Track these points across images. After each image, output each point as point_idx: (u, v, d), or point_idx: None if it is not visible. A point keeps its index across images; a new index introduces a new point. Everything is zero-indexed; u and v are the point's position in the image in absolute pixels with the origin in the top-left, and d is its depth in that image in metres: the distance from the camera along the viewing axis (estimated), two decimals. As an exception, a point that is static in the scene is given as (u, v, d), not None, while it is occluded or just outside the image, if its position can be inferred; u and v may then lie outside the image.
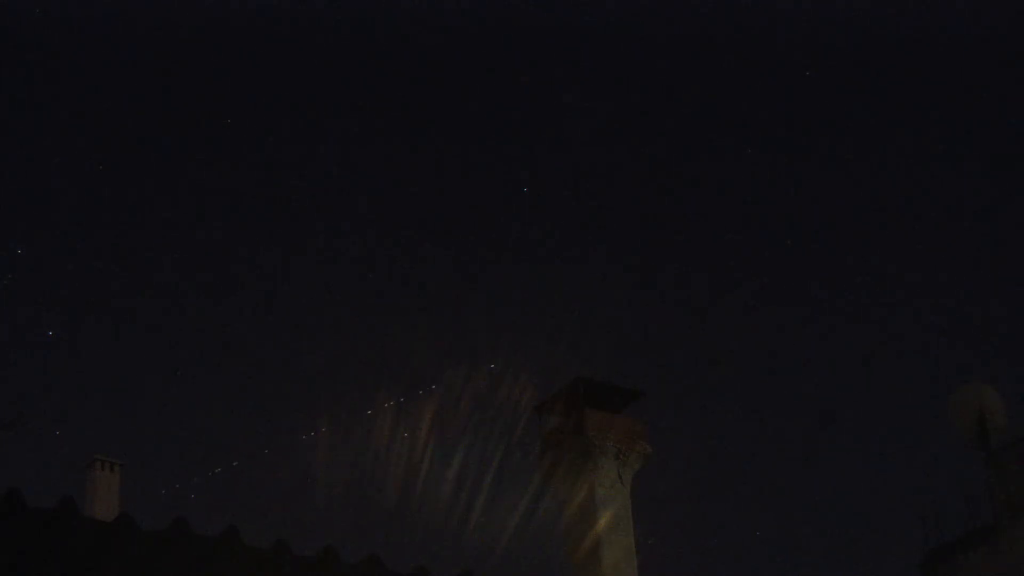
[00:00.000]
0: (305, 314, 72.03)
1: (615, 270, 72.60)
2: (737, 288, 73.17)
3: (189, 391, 69.98)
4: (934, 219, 74.61)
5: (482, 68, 76.14)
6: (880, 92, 72.24)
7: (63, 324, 68.40)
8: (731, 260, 74.09)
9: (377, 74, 75.52)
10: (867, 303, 72.29)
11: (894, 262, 72.25)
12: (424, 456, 37.21)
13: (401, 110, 74.68)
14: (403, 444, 38.17)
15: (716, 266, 73.00)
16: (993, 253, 71.18)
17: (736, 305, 72.47)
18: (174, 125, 72.84)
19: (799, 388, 75.34)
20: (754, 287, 73.67)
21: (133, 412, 65.35)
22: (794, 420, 72.14)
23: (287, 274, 72.97)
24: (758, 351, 73.89)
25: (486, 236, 73.09)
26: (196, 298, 72.53)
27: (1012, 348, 63.66)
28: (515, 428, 32.54)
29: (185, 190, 72.91)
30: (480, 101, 75.82)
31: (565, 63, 74.43)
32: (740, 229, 73.83)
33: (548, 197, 74.53)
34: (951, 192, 74.72)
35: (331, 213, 72.33)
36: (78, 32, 70.29)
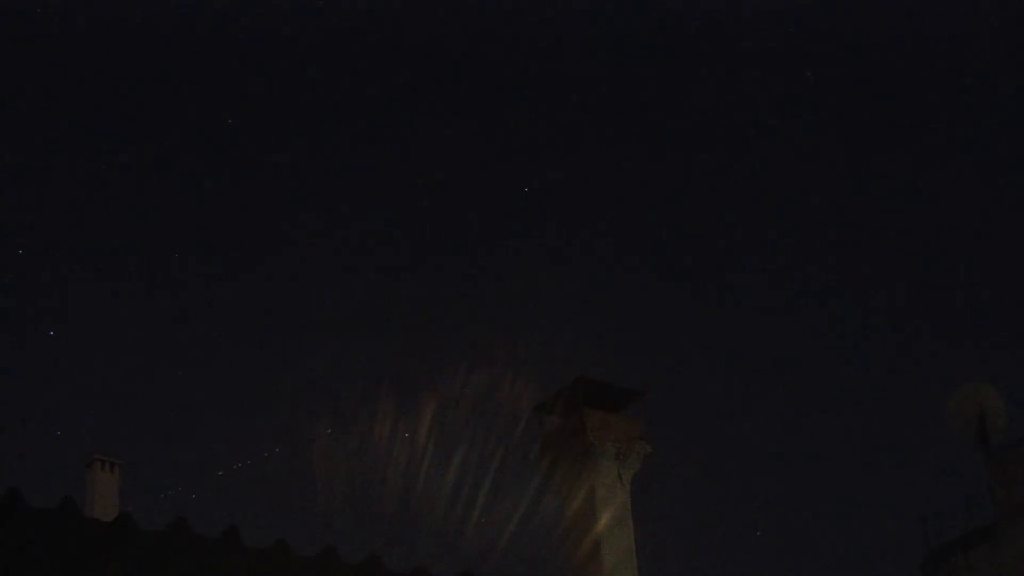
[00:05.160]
0: (306, 314, 72.11)
1: (616, 270, 72.69)
2: (737, 288, 73.27)
3: (189, 391, 70.04)
4: (934, 218, 74.73)
5: (480, 66, 76.23)
6: (880, 91, 72.35)
7: (63, 324, 68.45)
8: (731, 259, 74.18)
9: (376, 73, 75.63)
10: (867, 302, 72.39)
11: (894, 262, 72.35)
12: (424, 456, 37.26)
13: (400, 109, 74.80)
14: (403, 444, 38.22)
15: (716, 265, 73.09)
16: (994, 253, 71.26)
17: (736, 304, 72.55)
18: (175, 124, 72.94)
19: (799, 388, 75.43)
20: (754, 286, 73.77)
21: (133, 412, 65.40)
22: (794, 420, 72.20)
23: (287, 274, 73.07)
24: (759, 350, 73.99)
25: (486, 236, 73.20)
26: (196, 298, 72.62)
27: (1012, 348, 63.71)
28: (515, 428, 32.55)
29: (186, 190, 73.01)
30: (478, 100, 75.91)
31: (565, 61, 74.52)
32: (740, 228, 73.91)
33: (549, 197, 74.63)
34: (951, 191, 74.81)
35: (331, 213, 72.44)
36: (78, 31, 70.38)
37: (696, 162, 73.98)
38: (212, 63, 73.71)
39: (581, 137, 72.77)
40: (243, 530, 11.92)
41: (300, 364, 70.74)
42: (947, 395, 19.82)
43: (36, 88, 71.20)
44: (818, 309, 72.82)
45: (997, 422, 19.30)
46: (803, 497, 69.33)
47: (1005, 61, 68.69)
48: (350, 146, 74.71)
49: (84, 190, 71.08)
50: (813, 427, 71.41)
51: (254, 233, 72.18)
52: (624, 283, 71.18)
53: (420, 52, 72.72)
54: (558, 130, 74.13)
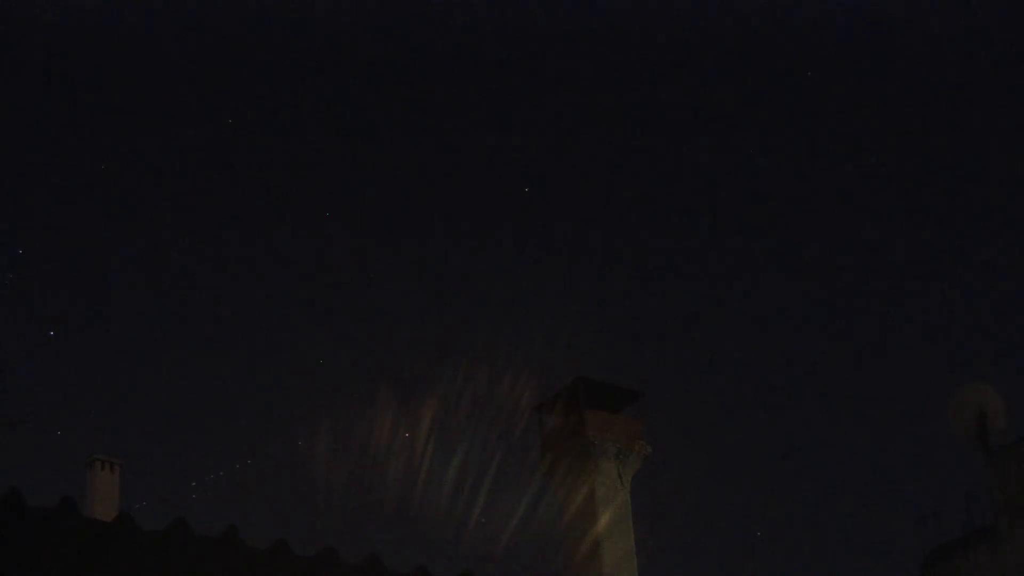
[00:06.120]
0: (305, 314, 72.11)
1: (615, 270, 72.68)
2: (737, 288, 73.23)
3: (189, 391, 70.03)
4: (934, 218, 74.67)
5: (479, 66, 76.21)
6: (879, 91, 72.31)
7: (63, 324, 68.45)
8: (731, 260, 74.16)
9: (377, 73, 75.59)
10: (867, 303, 72.35)
11: (894, 262, 72.31)
12: (424, 456, 37.26)
13: (401, 110, 74.75)
14: (403, 444, 38.23)
15: (716, 266, 73.06)
16: (993, 253, 71.23)
17: (736, 305, 72.51)
18: (175, 124, 72.90)
19: (799, 388, 75.41)
20: (754, 287, 73.72)
21: (133, 412, 65.41)
22: (794, 420, 72.18)
23: (287, 274, 73.05)
24: (758, 351, 73.95)
25: (486, 236, 73.17)
26: (196, 298, 72.60)
27: (1012, 348, 63.69)
28: (515, 428, 32.57)
29: (185, 190, 72.99)
30: (480, 100, 75.89)
31: (565, 61, 74.51)
32: (740, 229, 73.88)
33: (549, 197, 74.61)
34: (951, 191, 74.78)
35: (331, 213, 72.41)
36: (77, 32, 70.36)
37: (696, 163, 73.94)
38: (212, 64, 73.67)
39: (582, 137, 72.74)
40: (243, 530, 11.92)
41: (300, 364, 70.73)
42: (947, 395, 19.76)
43: (36, 88, 71.15)
44: (818, 310, 72.79)
45: (997, 422, 19.26)
46: (803, 497, 69.31)
47: (1007, 60, 68.69)
48: (348, 145, 74.68)
49: (84, 192, 71.07)
50: (813, 427, 71.40)
51: (254, 234, 72.15)
52: (624, 283, 71.16)
53: (420, 51, 72.68)
54: (558, 130, 74.11)
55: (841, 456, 71.28)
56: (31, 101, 71.70)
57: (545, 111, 74.57)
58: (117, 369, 70.88)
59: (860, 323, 72.55)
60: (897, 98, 72.27)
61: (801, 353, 74.19)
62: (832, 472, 70.74)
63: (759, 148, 73.53)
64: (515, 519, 32.17)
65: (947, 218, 74.23)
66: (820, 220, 75.21)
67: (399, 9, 68.22)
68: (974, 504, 19.45)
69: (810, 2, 64.91)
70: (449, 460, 36.25)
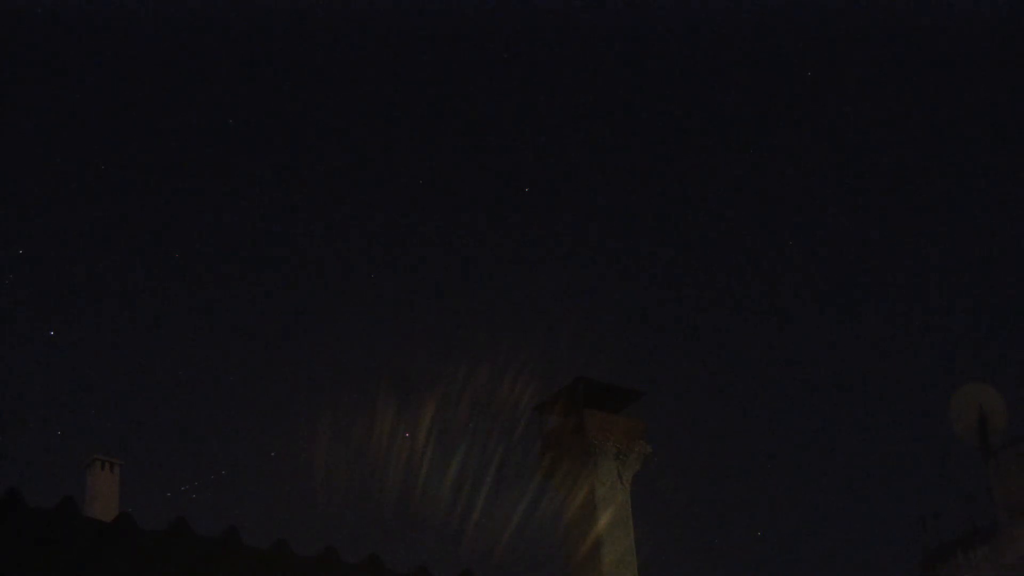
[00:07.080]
0: (306, 314, 72.09)
1: (615, 270, 72.64)
2: (737, 288, 73.21)
3: (189, 391, 70.02)
4: (934, 219, 74.64)
5: (480, 66, 76.19)
6: (878, 92, 72.26)
7: (63, 324, 68.42)
8: (731, 260, 74.12)
9: (378, 74, 75.56)
10: (867, 303, 72.33)
11: (894, 262, 72.29)
12: (424, 456, 37.29)
13: (403, 110, 74.74)
14: (403, 444, 38.26)
15: (717, 266, 73.05)
16: (993, 253, 71.19)
17: (736, 305, 72.50)
18: (174, 124, 72.89)
19: (799, 388, 75.38)
20: (754, 287, 73.70)
21: (133, 412, 65.41)
22: (794, 420, 72.16)
23: (287, 274, 73.03)
24: (758, 351, 73.92)
25: (486, 236, 73.17)
26: (196, 298, 72.57)
27: (1012, 348, 63.68)
28: (515, 428, 32.59)
29: (185, 190, 72.97)
30: (481, 100, 75.87)
31: (565, 62, 74.49)
32: (741, 229, 73.86)
33: (549, 197, 74.59)
34: (950, 191, 74.74)
35: (331, 213, 72.40)
36: (77, 31, 70.33)
37: (696, 164, 73.92)
38: (214, 64, 73.66)
39: (582, 138, 72.73)
40: (243, 530, 11.92)
41: (300, 364, 70.73)
42: (947, 395, 19.78)
43: (38, 89, 71.14)
44: (818, 310, 72.77)
45: (997, 422, 19.28)
46: (803, 497, 69.30)
47: (1008, 61, 68.67)
48: (349, 146, 74.68)
49: (84, 191, 71.04)
50: (813, 427, 71.39)
51: (254, 234, 72.15)
52: (624, 283, 71.15)
53: (420, 52, 72.66)
54: (559, 130, 74.10)
55: (841, 456, 71.26)
56: (31, 100, 71.71)
57: (545, 110, 74.56)
58: (117, 369, 70.88)
59: (860, 323, 72.55)
60: (893, 98, 72.25)
61: (801, 353, 74.17)
62: (832, 472, 70.73)
63: (759, 148, 73.51)
64: (515, 519, 32.19)
65: (948, 217, 74.20)
66: (821, 220, 75.20)
67: (399, 5, 68.22)
68: (974, 504, 19.49)
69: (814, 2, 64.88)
70: (449, 460, 36.28)
